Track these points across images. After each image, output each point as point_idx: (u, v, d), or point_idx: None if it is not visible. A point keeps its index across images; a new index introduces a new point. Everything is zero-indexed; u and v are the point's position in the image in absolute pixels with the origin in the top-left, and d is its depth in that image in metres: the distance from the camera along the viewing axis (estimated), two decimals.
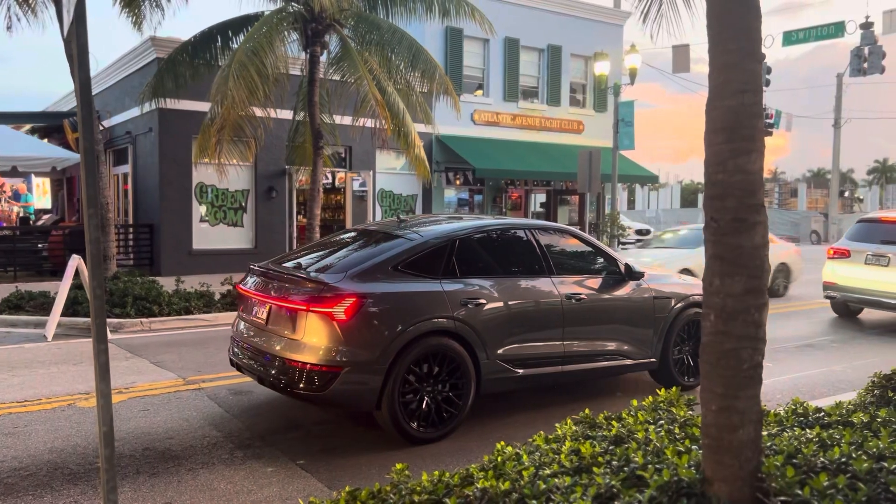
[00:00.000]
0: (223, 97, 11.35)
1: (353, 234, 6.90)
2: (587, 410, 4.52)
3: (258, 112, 12.48)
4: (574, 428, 4.21)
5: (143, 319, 10.57)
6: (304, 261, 6.26)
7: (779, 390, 7.19)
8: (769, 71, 24.34)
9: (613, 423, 4.18)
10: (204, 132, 12.17)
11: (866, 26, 22.18)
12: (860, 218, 12.74)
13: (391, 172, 20.16)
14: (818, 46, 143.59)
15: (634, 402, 4.66)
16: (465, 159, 20.30)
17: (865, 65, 22.75)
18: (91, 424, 5.80)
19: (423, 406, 5.56)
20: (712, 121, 2.98)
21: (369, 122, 12.79)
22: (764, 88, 19.85)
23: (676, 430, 3.92)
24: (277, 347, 5.55)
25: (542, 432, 4.20)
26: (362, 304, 5.33)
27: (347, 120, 14.24)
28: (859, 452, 3.36)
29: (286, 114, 15.46)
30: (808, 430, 3.86)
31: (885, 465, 3.19)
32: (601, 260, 7.09)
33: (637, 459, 3.38)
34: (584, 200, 24.20)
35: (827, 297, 12.05)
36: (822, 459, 3.27)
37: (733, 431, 2.94)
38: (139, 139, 18.02)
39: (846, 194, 62.06)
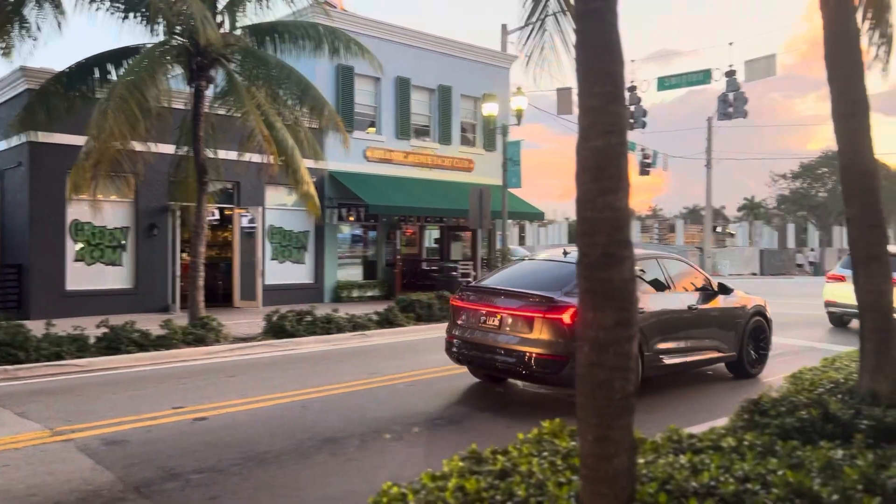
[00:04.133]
0: (100, 131, 10.85)
1: (532, 262, 9.46)
2: (474, 445, 4.53)
3: (138, 146, 11.99)
4: (461, 464, 4.20)
5: (7, 367, 9.79)
6: (509, 282, 8.45)
7: (656, 419, 7.46)
8: (645, 113, 25.79)
9: (499, 457, 4.20)
10: (78, 167, 11.56)
11: (730, 74, 23.92)
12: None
13: (282, 208, 19.81)
14: (690, 91, 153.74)
15: (521, 436, 4.72)
16: (359, 196, 20.25)
17: (731, 109, 24.48)
18: None
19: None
20: (581, 160, 3.11)
21: (256, 158, 12.55)
22: (642, 131, 20.71)
23: (559, 462, 3.98)
24: (515, 344, 7.63)
25: (429, 469, 4.18)
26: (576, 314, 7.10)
27: (234, 155, 13.92)
28: (727, 475, 3.53)
29: (168, 148, 14.94)
30: (681, 456, 4.02)
31: (749, 486, 3.37)
32: (701, 279, 9.50)
33: (520, 493, 3.42)
34: (476, 236, 24.64)
35: (828, 311, 15.44)
36: (693, 484, 3.41)
37: (608, 461, 3.03)
38: (7, 174, 16.90)
39: (719, 230, 66.12)
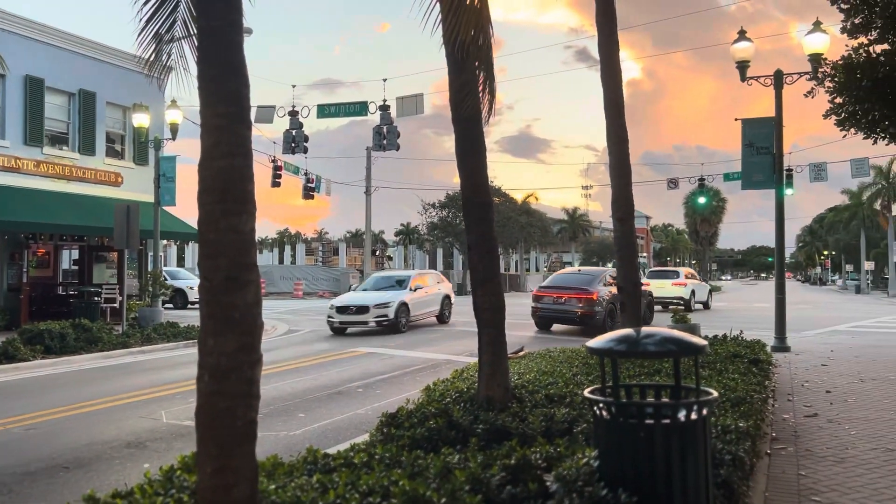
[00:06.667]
0: None
1: (565, 274, 22.23)
2: (91, 490, 4.07)
3: None
4: None
5: None
6: (561, 283, 20.11)
7: (308, 440, 7.53)
8: (307, 139, 26.35)
9: (118, 500, 3.82)
10: None
11: (384, 108, 25.50)
12: (652, 270, 34.67)
13: None
14: (353, 121, 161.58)
15: (148, 474, 4.36)
16: None
17: (385, 141, 26.10)
18: None
19: (612, 323, 18.02)
20: (204, 180, 3.00)
21: None
22: (306, 155, 21.36)
23: (186, 499, 3.75)
24: (572, 307, 18.96)
25: None
26: (598, 294, 18.99)
27: None
28: (352, 491, 3.64)
29: None
30: (314, 477, 4.06)
31: (371, 499, 3.52)
32: (613, 280, 17.47)
33: None
34: (122, 257, 22.60)
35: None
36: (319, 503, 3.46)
37: (228, 491, 2.93)
38: None
39: (378, 253, 70.09)
